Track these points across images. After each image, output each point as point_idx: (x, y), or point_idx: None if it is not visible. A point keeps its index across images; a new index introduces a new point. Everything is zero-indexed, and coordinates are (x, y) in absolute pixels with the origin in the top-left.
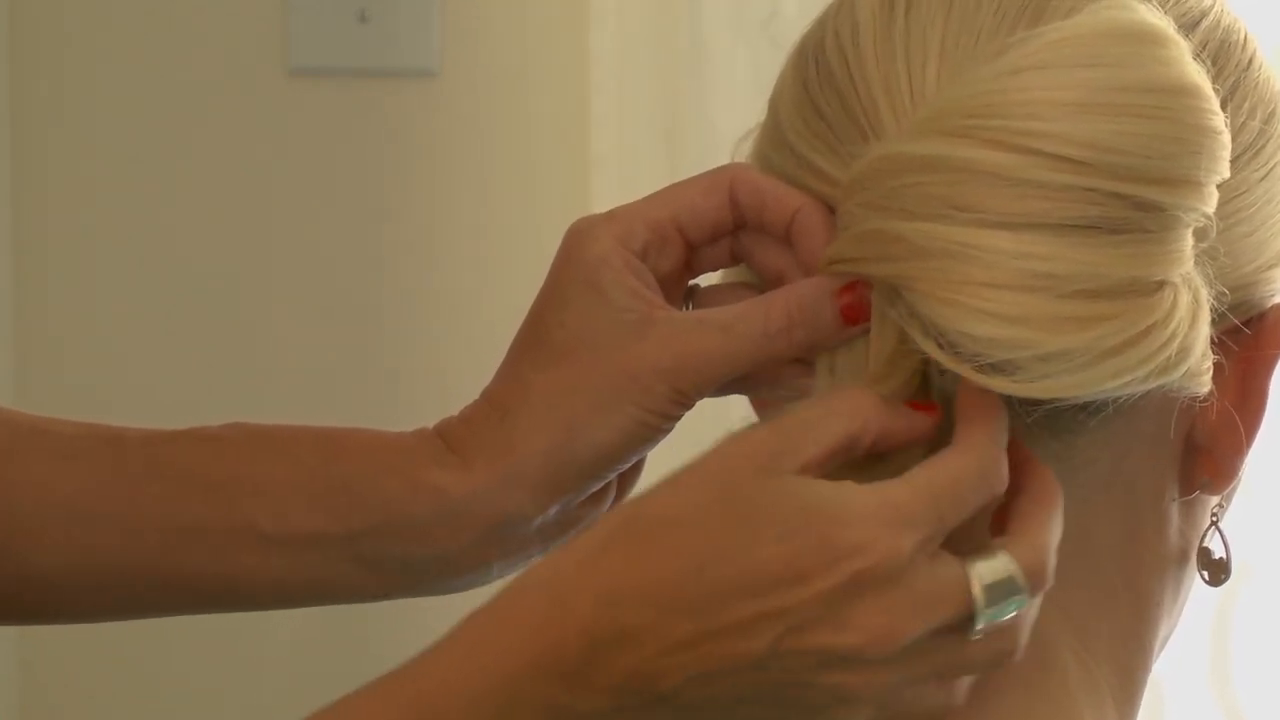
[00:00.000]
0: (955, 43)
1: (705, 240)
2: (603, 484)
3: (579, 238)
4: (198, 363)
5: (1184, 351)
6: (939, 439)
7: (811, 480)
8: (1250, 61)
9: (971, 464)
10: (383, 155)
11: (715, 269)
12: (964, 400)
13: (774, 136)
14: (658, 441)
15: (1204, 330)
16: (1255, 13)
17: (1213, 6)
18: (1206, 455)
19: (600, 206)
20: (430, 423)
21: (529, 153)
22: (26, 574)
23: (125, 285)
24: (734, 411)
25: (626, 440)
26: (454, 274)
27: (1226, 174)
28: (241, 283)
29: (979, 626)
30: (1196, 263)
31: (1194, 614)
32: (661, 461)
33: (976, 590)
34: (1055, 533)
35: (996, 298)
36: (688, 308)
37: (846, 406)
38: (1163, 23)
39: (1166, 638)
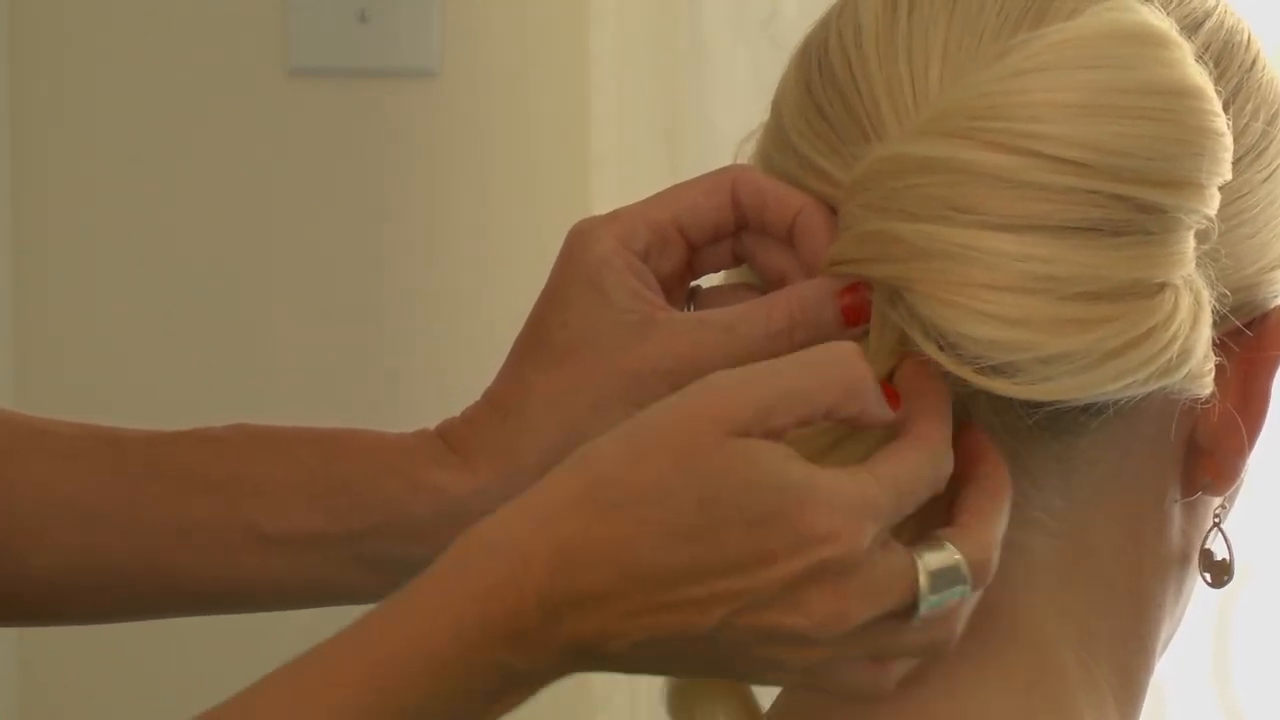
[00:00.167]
0: (958, 44)
1: (707, 241)
2: None
3: (581, 239)
4: (198, 363)
5: (1185, 353)
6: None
7: (783, 458)
8: (1253, 63)
9: (927, 458)
10: (383, 155)
11: (717, 270)
12: (910, 383)
13: (776, 137)
14: None
15: (1205, 332)
16: (1259, 14)
17: (1216, 7)
18: (1208, 457)
19: (600, 207)
20: (430, 423)
21: (529, 153)
22: (26, 574)
23: (125, 285)
24: None
25: None
26: (454, 274)
27: (1229, 176)
28: (241, 283)
29: (920, 615)
30: (1198, 265)
31: (1195, 615)
32: None
33: (923, 581)
34: (1001, 526)
35: (997, 300)
36: (690, 309)
37: (841, 385)
38: (1165, 24)
39: (1168, 639)
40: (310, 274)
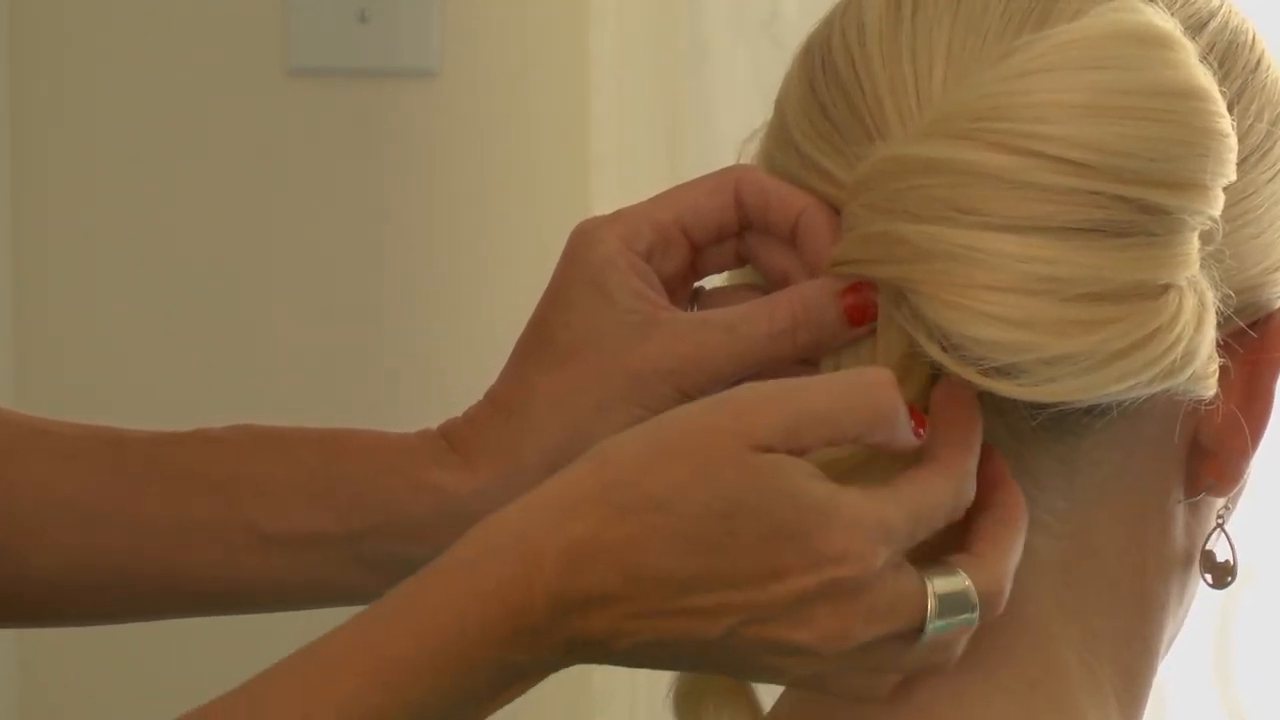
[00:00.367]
0: (962, 45)
1: (710, 241)
2: None
3: (584, 239)
4: (198, 363)
5: (1189, 355)
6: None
7: (805, 475)
8: (1258, 63)
9: (950, 489)
10: (383, 155)
11: (720, 270)
12: (943, 410)
13: (780, 137)
14: None
15: (1209, 333)
16: (1263, 14)
17: (1220, 8)
18: (1212, 458)
19: (600, 207)
20: (430, 423)
21: (529, 153)
22: (27, 574)
23: (125, 285)
24: None
25: None
26: (454, 274)
27: (1233, 176)
28: (241, 283)
29: (924, 639)
30: (1202, 265)
31: (1197, 616)
32: None
33: (931, 605)
34: (1016, 557)
35: (1001, 301)
36: (693, 309)
37: (870, 413)
38: (1169, 25)
39: (1171, 639)
40: (310, 274)
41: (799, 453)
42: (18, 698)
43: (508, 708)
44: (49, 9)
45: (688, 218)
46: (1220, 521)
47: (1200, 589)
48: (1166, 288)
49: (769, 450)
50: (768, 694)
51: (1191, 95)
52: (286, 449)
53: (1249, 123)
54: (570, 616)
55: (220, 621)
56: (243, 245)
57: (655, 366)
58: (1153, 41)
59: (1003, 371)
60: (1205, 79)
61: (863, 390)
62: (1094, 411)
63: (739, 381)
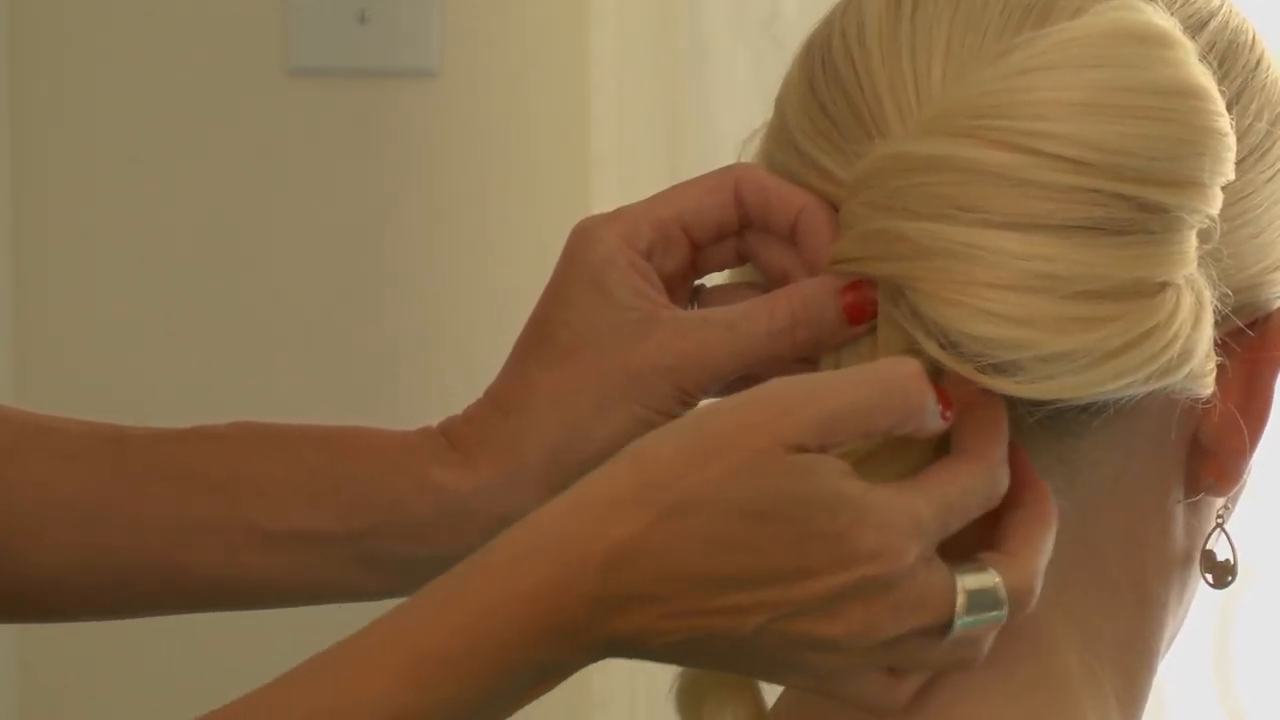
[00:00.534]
0: (961, 42)
1: (710, 240)
2: None
3: (584, 237)
4: (198, 362)
5: (1186, 353)
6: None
7: (839, 474)
8: (1258, 63)
9: (982, 480)
10: (383, 155)
11: (721, 269)
12: (970, 406)
13: (779, 135)
14: None
15: (1207, 332)
16: (1263, 14)
17: (1220, 7)
18: (1211, 457)
19: (600, 206)
20: (430, 420)
21: (529, 153)
22: (27, 573)
23: (125, 285)
24: None
25: (630, 439)
26: (454, 274)
27: (1232, 176)
28: (241, 283)
29: (952, 635)
30: (1200, 264)
31: (1197, 616)
32: None
33: (960, 601)
34: (1046, 555)
35: (1000, 298)
36: (693, 307)
37: (902, 404)
38: (1169, 24)
39: (1171, 639)
40: (310, 274)
41: (832, 448)
42: (18, 698)
43: None
44: (49, 9)
45: (688, 216)
46: (1220, 521)
47: (1200, 589)
48: (1164, 286)
49: (803, 449)
50: (769, 693)
51: (1191, 94)
52: (288, 447)
53: (1248, 122)
54: (608, 618)
55: (221, 620)
56: (243, 245)
57: (655, 364)
58: (1153, 40)
59: (1000, 369)
60: (1205, 78)
61: (894, 383)
62: (1092, 410)
63: (739, 380)
